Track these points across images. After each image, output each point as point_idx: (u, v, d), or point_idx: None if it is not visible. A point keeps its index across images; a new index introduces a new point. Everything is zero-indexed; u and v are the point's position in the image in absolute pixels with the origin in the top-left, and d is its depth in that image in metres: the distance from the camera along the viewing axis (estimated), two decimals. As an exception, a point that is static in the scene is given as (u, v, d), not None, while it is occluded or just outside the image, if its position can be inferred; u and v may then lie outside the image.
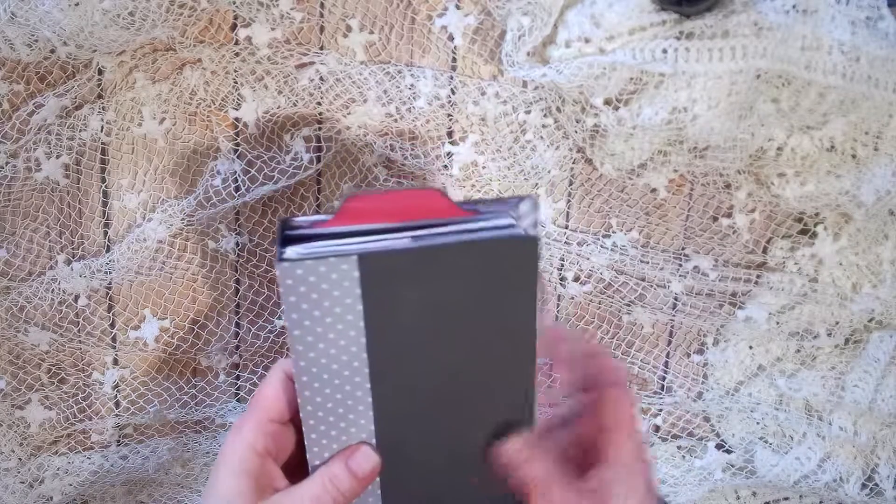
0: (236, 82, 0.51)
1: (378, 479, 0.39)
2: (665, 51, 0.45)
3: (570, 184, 0.55)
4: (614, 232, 0.56)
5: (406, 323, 0.36)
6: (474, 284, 0.35)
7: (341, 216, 0.34)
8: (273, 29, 0.50)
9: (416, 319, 0.36)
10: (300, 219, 0.35)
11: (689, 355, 0.59)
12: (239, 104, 0.52)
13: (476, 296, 0.36)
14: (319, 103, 0.52)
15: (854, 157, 0.50)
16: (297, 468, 0.38)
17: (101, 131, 0.52)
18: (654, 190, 0.55)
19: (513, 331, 0.37)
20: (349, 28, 0.51)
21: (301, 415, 0.36)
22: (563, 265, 0.56)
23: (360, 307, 0.34)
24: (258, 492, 0.35)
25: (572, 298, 0.57)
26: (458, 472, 0.40)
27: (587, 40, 0.47)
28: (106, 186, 0.54)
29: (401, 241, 0.34)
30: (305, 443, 0.37)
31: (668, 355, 0.59)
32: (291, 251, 0.33)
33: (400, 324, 0.35)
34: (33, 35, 0.46)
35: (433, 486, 0.41)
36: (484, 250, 0.34)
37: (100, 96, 0.51)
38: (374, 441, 0.38)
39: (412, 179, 0.54)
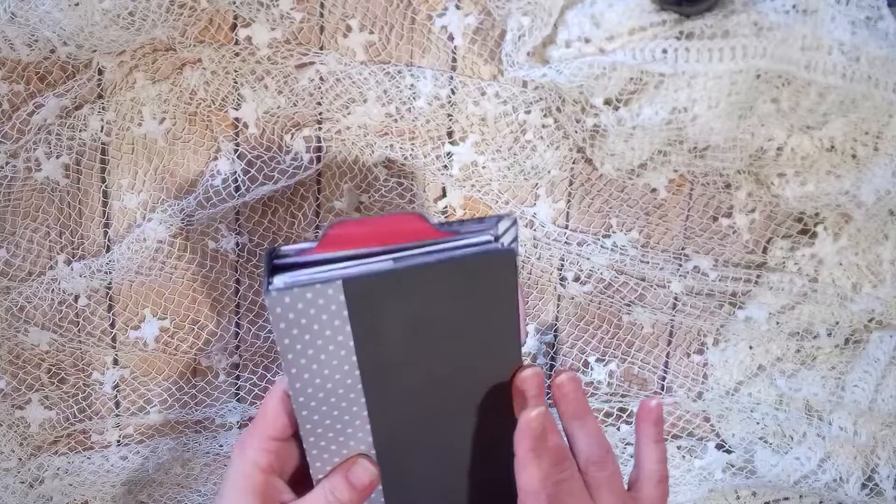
0: (236, 82, 0.51)
1: (380, 486, 0.40)
2: (665, 51, 0.45)
3: (570, 184, 0.55)
4: (614, 232, 0.56)
5: (394, 339, 0.37)
6: (457, 299, 0.37)
7: (325, 243, 0.35)
8: (273, 29, 0.50)
9: (403, 335, 0.37)
10: (286, 248, 0.36)
11: (689, 355, 0.59)
12: (239, 104, 0.52)
13: (459, 309, 0.37)
14: (319, 103, 0.52)
15: (854, 157, 0.50)
16: (303, 480, 0.39)
17: (101, 131, 0.52)
18: (654, 190, 0.55)
19: (496, 339, 0.39)
20: (349, 28, 0.51)
21: (300, 432, 0.37)
22: (563, 265, 0.56)
23: (349, 328, 0.35)
24: None
25: (572, 298, 0.57)
26: (455, 475, 0.41)
27: (587, 40, 0.47)
28: (106, 186, 0.54)
29: (383, 263, 0.35)
30: (307, 457, 0.38)
31: (668, 355, 0.59)
32: (278, 280, 0.34)
33: (389, 340, 0.37)
34: (33, 35, 0.46)
35: (433, 490, 0.42)
36: (463, 267, 0.36)
37: (100, 96, 0.51)
38: (372, 452, 0.39)
39: (412, 180, 0.54)
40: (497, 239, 0.37)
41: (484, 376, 0.39)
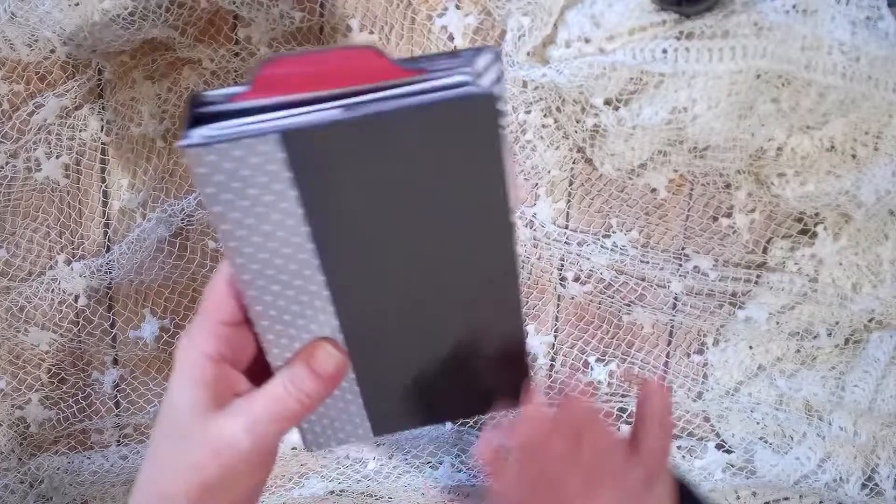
0: (236, 82, 0.51)
1: (353, 374, 0.36)
2: (665, 51, 0.45)
3: (570, 184, 0.55)
4: (614, 232, 0.56)
5: (354, 204, 0.31)
6: (427, 154, 0.31)
7: (260, 86, 0.29)
8: (273, 29, 0.50)
9: (365, 199, 0.31)
10: (212, 93, 0.30)
11: (689, 355, 0.59)
12: (239, 104, 0.52)
13: (431, 167, 0.31)
14: (319, 103, 0.52)
15: (854, 157, 0.50)
16: (261, 370, 0.35)
17: (101, 131, 0.52)
18: (654, 190, 0.55)
19: (481, 202, 0.33)
20: (349, 28, 0.51)
21: (250, 315, 0.33)
22: (563, 265, 0.56)
23: (294, 192, 0.30)
24: (216, 399, 0.33)
25: (572, 298, 0.57)
26: (434, 360, 0.37)
27: (587, 40, 0.47)
28: (106, 186, 0.54)
29: (331, 111, 0.29)
30: (261, 344, 0.34)
31: (668, 355, 0.59)
32: (198, 133, 0.28)
33: (347, 206, 0.31)
34: (33, 35, 0.46)
35: (416, 375, 0.37)
36: (432, 114, 0.30)
37: (100, 96, 0.51)
38: (339, 336, 0.35)
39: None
40: (474, 78, 0.31)
41: (468, 241, 0.34)
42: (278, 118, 0.29)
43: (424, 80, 0.30)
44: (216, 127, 0.29)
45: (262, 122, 0.29)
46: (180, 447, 0.32)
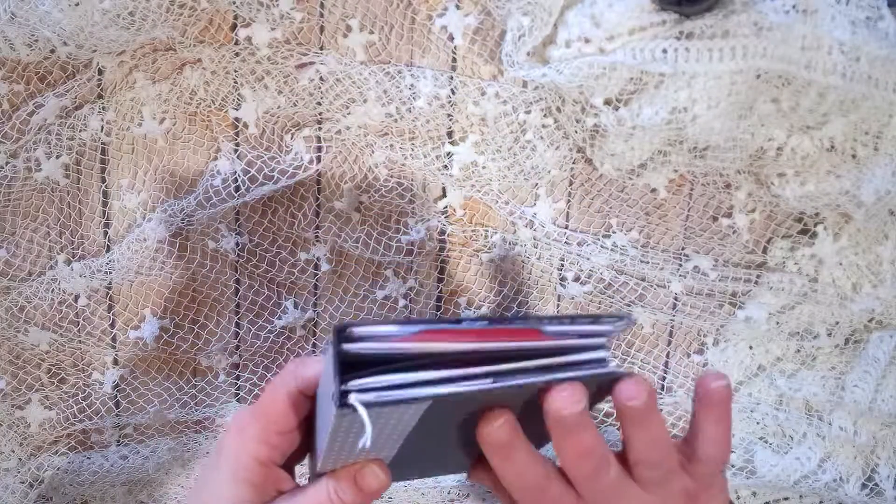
0: (236, 82, 0.51)
1: None
2: (665, 51, 0.45)
3: (570, 184, 0.55)
4: (614, 232, 0.56)
5: (454, 413, 0.34)
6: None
7: (414, 337, 0.30)
8: (273, 29, 0.50)
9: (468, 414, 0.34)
10: (360, 329, 0.29)
11: (689, 355, 0.59)
12: (239, 104, 0.52)
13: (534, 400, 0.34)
14: (319, 103, 0.52)
15: (854, 157, 0.50)
16: (300, 458, 0.38)
17: (101, 131, 0.52)
18: (654, 190, 0.55)
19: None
20: (349, 28, 0.51)
21: (317, 440, 0.35)
22: (563, 265, 0.56)
23: (415, 423, 0.32)
24: (261, 497, 0.35)
25: (572, 298, 0.57)
26: (453, 441, 0.40)
27: (587, 40, 0.47)
28: (106, 186, 0.54)
29: (482, 380, 0.30)
30: (315, 454, 0.36)
31: (668, 355, 0.59)
32: (356, 394, 0.28)
33: (448, 415, 0.34)
34: (33, 35, 0.46)
35: (427, 454, 0.40)
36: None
37: (100, 96, 0.51)
38: (389, 459, 0.37)
39: (412, 180, 0.54)
40: (608, 345, 0.33)
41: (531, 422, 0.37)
42: (429, 381, 0.29)
43: (569, 354, 0.32)
44: (370, 383, 0.29)
45: (414, 382, 0.29)
46: None
